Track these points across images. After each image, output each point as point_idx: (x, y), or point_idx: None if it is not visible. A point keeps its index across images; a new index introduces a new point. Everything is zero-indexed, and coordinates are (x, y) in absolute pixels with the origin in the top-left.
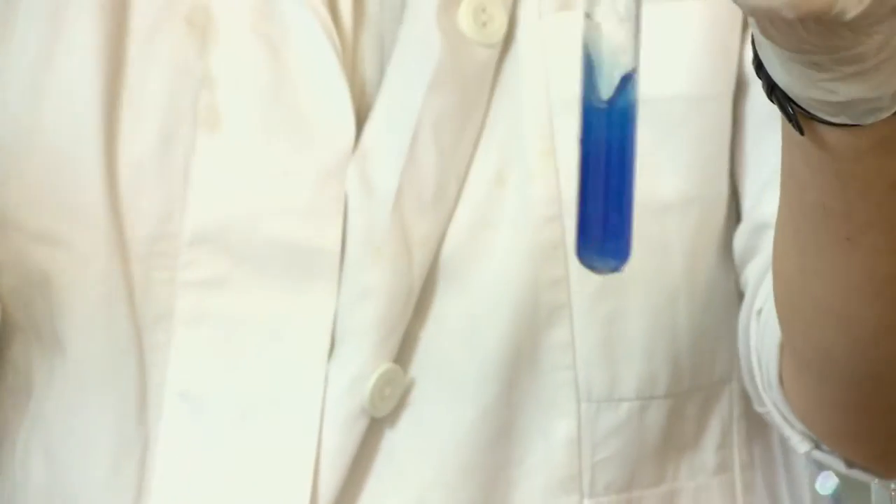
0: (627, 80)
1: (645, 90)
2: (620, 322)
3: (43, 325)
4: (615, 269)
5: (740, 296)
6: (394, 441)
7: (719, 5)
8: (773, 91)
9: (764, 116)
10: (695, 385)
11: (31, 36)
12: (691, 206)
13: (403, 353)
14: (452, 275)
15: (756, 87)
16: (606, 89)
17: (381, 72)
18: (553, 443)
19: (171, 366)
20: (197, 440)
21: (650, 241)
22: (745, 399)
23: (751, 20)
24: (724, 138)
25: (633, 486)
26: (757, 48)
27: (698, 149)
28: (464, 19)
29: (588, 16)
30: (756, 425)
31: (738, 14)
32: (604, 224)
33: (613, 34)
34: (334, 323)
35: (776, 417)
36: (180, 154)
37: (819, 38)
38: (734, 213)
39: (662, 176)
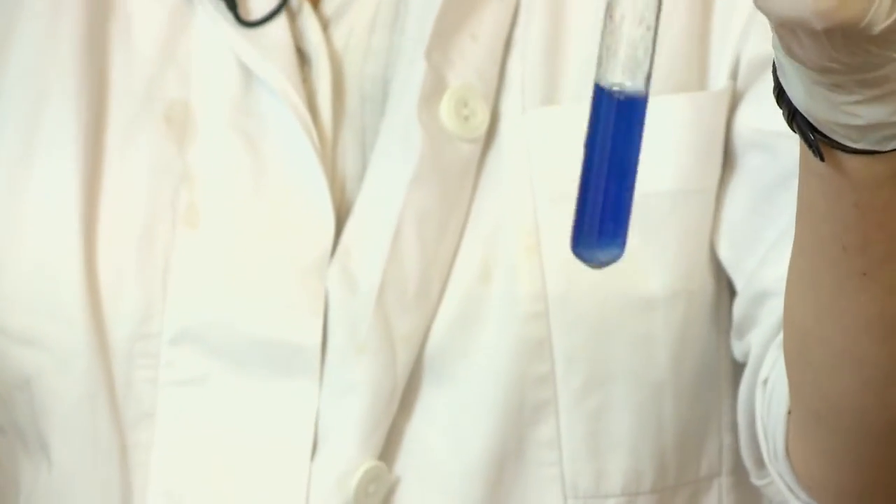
0: (642, 74)
1: None
2: (606, 418)
3: (26, 427)
4: (611, 261)
5: (732, 382)
6: None
7: (704, 98)
8: (794, 118)
9: (758, 191)
10: (682, 480)
11: (10, 136)
12: (677, 300)
13: (388, 449)
14: (438, 371)
15: (748, 161)
16: (620, 78)
17: (363, 166)
18: None
19: (155, 464)
20: None
21: (635, 336)
22: (736, 493)
23: (776, 42)
24: (708, 230)
25: None
26: (779, 75)
27: (684, 242)
28: (445, 113)
29: (609, 13)
30: None
31: (722, 106)
32: (602, 214)
33: (632, 32)
34: (317, 419)
35: (781, 488)
36: (160, 252)
37: (845, 54)
38: (719, 304)
39: (648, 272)
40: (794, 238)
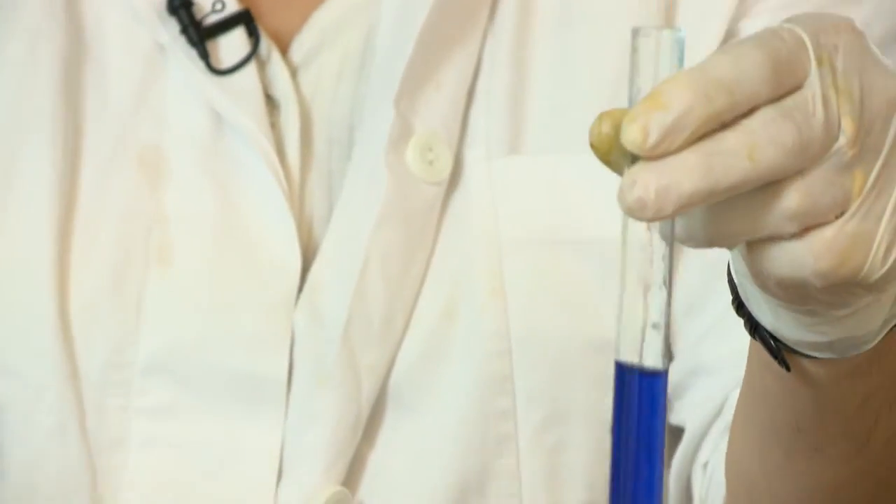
0: (658, 350)
1: (590, 232)
2: (564, 452)
3: None
4: None
5: (673, 428)
6: None
7: None
8: (757, 329)
9: (709, 263)
10: None
11: None
12: None
13: (352, 476)
14: (401, 402)
15: None
16: (637, 357)
17: (330, 207)
18: None
19: (126, 489)
20: None
21: (593, 377)
22: None
23: (742, 268)
24: None
25: None
26: (740, 292)
27: None
28: (411, 158)
29: (621, 294)
30: None
31: None
32: (634, 495)
33: (646, 301)
34: (282, 448)
35: None
36: (133, 287)
37: (830, 296)
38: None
39: (605, 314)
40: (741, 407)
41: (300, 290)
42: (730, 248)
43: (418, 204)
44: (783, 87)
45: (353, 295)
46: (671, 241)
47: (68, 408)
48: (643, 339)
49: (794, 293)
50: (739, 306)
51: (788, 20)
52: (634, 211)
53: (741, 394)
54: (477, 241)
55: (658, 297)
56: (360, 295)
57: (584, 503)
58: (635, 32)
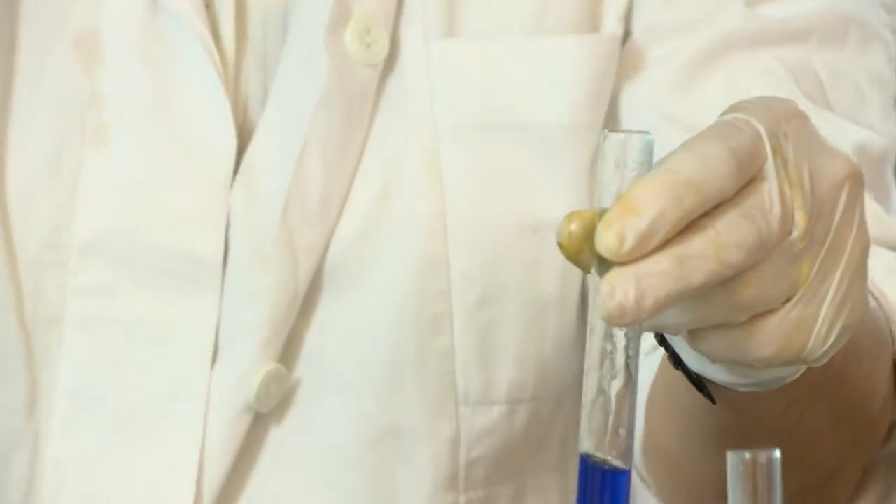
0: (623, 448)
1: (527, 116)
2: (496, 331)
3: None
4: None
5: None
6: (279, 437)
7: (596, 41)
8: (681, 363)
9: None
10: (555, 389)
11: None
12: None
13: (289, 353)
14: (337, 282)
15: (630, 114)
16: (598, 450)
17: (265, 89)
18: (438, 443)
19: (63, 366)
20: (87, 435)
21: (526, 257)
22: None
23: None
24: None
25: (493, 482)
26: (666, 337)
27: (575, 173)
28: (350, 41)
29: (587, 381)
30: None
31: (614, 49)
32: None
33: (610, 399)
34: (218, 327)
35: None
36: (69, 169)
37: (768, 368)
38: None
39: (541, 196)
40: (660, 399)
41: (236, 171)
42: (675, 335)
43: (355, 86)
44: (745, 179)
45: (292, 176)
46: (638, 338)
47: (4, 287)
48: (607, 436)
49: (733, 365)
50: (662, 340)
51: (739, 108)
52: (614, 318)
53: (658, 390)
54: (413, 124)
55: (622, 395)
56: (299, 176)
57: (513, 381)
58: (604, 136)
